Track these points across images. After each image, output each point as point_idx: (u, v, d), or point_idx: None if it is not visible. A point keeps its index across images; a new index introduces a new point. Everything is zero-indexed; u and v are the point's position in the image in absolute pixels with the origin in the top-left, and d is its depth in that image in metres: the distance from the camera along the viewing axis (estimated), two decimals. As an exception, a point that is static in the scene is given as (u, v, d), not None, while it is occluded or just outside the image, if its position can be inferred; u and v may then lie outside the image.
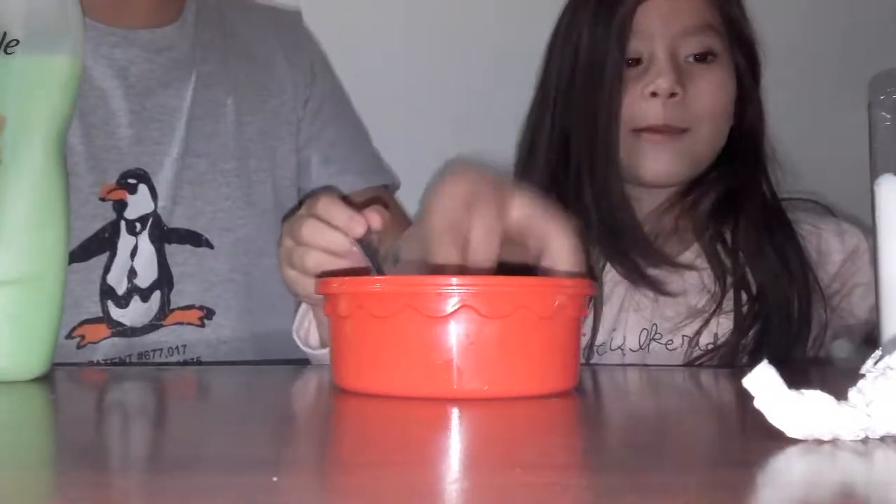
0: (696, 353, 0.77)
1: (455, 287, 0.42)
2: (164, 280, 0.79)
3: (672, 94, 0.78)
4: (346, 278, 0.47)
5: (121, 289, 0.78)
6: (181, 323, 0.80)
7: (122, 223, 0.79)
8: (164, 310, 0.79)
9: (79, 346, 0.76)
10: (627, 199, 0.81)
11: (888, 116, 0.52)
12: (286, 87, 0.91)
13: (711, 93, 0.79)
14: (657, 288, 0.79)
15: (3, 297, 0.50)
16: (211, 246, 0.82)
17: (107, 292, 0.77)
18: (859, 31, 1.19)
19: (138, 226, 0.79)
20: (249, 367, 0.79)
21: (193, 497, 0.24)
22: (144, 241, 0.79)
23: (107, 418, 0.41)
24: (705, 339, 0.77)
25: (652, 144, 0.79)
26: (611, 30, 0.80)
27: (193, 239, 0.82)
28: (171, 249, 0.80)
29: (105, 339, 0.77)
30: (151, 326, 0.79)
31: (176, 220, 0.81)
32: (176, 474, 0.27)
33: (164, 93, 0.83)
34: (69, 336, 0.76)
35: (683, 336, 0.77)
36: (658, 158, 0.79)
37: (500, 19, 1.16)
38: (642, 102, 0.79)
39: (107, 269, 0.77)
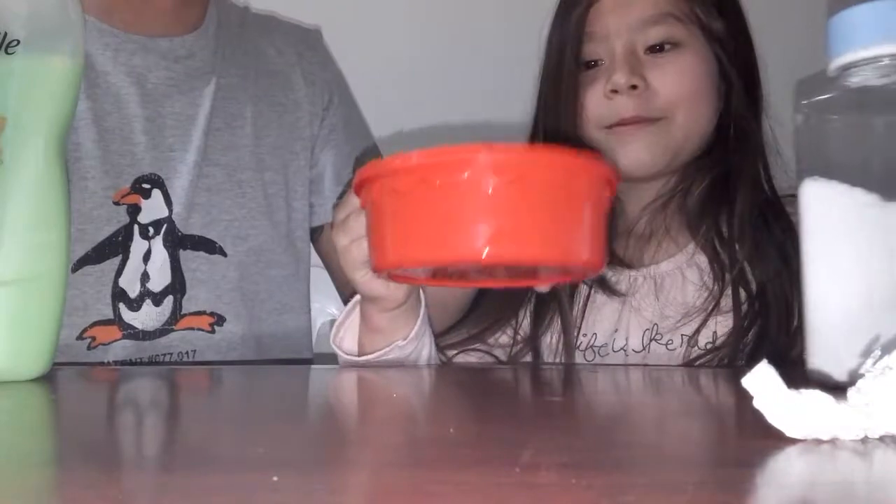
0: (696, 353, 0.76)
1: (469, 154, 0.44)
2: (177, 285, 0.80)
3: (633, 87, 0.77)
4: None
5: (133, 292, 0.79)
6: (192, 328, 0.81)
7: (136, 227, 0.80)
8: (176, 315, 0.80)
9: (90, 348, 0.77)
10: None
11: (812, 121, 0.52)
12: (302, 103, 0.93)
13: (675, 78, 0.78)
14: (609, 288, 0.80)
15: (3, 297, 0.50)
16: (224, 254, 0.83)
17: (118, 295, 0.78)
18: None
19: (151, 230, 0.80)
20: (250, 366, 0.79)
21: (193, 496, 0.24)
22: (158, 246, 0.80)
23: (106, 418, 0.41)
24: (704, 339, 0.76)
25: (623, 136, 0.79)
26: (567, 34, 0.81)
27: (207, 246, 0.83)
28: (185, 255, 0.81)
29: (116, 341, 0.78)
30: (163, 331, 0.79)
31: (191, 227, 0.82)
32: (176, 474, 0.27)
33: (181, 100, 0.84)
34: (80, 337, 0.76)
35: (682, 336, 0.77)
36: (632, 148, 0.78)
37: (511, 25, 1.16)
38: (606, 101, 0.79)
39: (119, 272, 0.78)
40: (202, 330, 0.81)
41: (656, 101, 0.77)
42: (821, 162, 0.50)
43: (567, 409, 0.45)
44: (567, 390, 0.52)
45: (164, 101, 0.83)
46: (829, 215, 0.49)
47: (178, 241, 0.81)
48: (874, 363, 0.32)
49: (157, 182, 0.81)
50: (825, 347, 0.48)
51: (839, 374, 0.46)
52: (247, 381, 0.59)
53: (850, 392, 0.32)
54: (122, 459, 0.30)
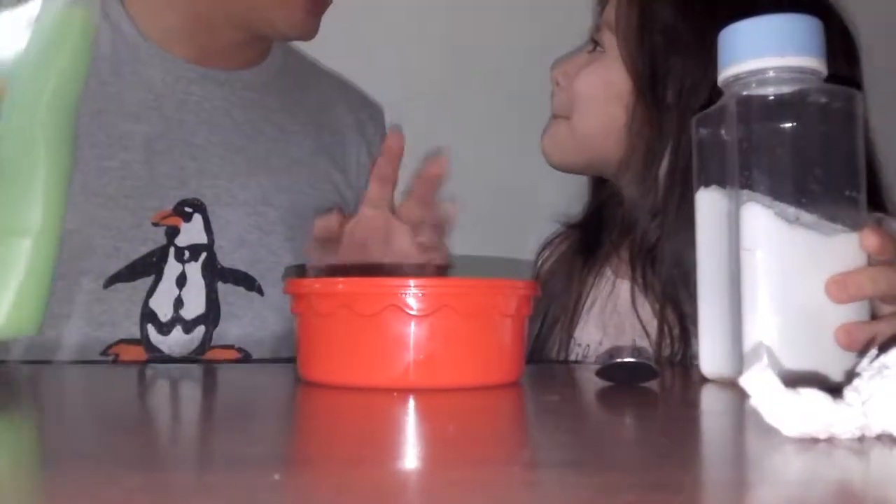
0: None
1: (386, 287, 0.46)
2: (211, 316, 0.80)
3: (557, 84, 0.83)
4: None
5: (165, 316, 0.78)
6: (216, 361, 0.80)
7: (172, 250, 0.79)
8: (205, 345, 0.80)
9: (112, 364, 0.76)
10: (596, 193, 0.87)
11: (703, 132, 0.53)
12: (352, 166, 0.95)
13: (580, 78, 0.80)
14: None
15: (27, 248, 0.48)
16: (262, 293, 0.83)
17: (148, 316, 0.78)
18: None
19: (187, 254, 0.80)
20: (250, 364, 0.79)
21: (193, 495, 0.24)
22: (195, 273, 0.80)
23: (105, 416, 0.41)
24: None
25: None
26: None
27: (248, 282, 0.83)
28: (224, 288, 0.81)
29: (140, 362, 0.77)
30: (188, 359, 0.79)
31: (235, 262, 0.82)
32: (175, 472, 0.27)
33: (235, 131, 0.85)
34: (104, 353, 0.76)
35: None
36: (543, 139, 0.84)
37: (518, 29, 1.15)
38: None
39: (150, 293, 0.78)
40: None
41: (565, 100, 0.82)
42: (713, 170, 0.51)
43: (566, 407, 0.45)
44: (566, 389, 0.52)
45: (217, 129, 0.84)
46: (720, 222, 0.50)
47: (217, 273, 0.81)
48: (870, 361, 0.33)
49: (199, 207, 0.81)
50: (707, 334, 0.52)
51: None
52: (247, 377, 0.59)
53: (847, 391, 0.32)
54: (119, 458, 0.30)
